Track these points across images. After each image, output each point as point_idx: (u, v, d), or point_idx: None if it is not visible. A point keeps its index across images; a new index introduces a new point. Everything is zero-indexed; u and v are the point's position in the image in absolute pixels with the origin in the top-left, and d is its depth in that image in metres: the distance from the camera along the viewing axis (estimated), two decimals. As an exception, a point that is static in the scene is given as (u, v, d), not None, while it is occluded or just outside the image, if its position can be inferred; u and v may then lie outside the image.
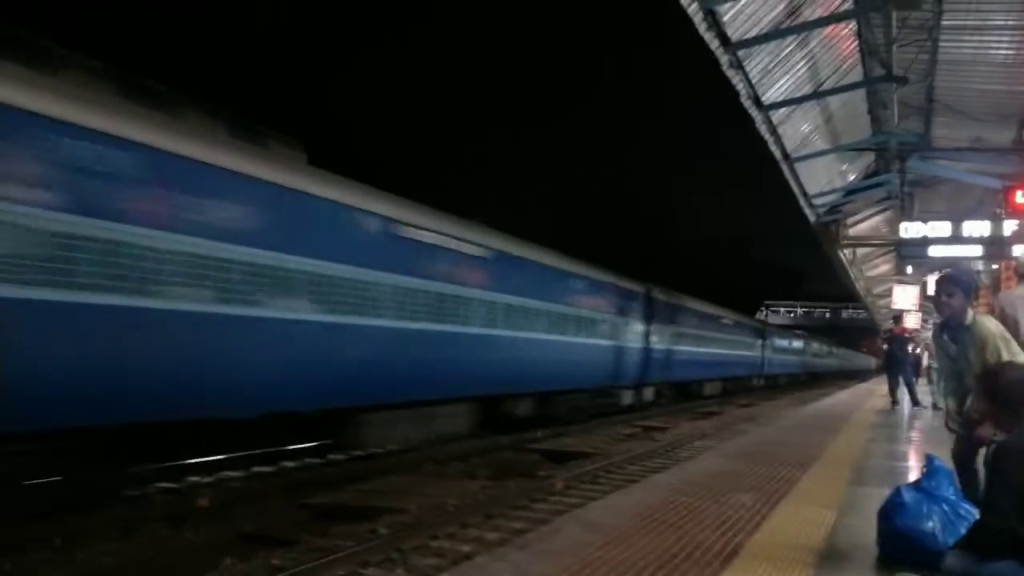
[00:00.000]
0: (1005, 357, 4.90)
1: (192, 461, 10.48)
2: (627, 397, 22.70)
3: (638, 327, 22.87)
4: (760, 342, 41.80)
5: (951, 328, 5.40)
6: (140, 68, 8.89)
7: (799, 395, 37.37)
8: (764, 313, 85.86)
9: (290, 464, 11.91)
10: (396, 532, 7.73)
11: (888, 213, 23.94)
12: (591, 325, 19.39)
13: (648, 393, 24.63)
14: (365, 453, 13.06)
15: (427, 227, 12.98)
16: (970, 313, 5.28)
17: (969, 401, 5.03)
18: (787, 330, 58.38)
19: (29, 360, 6.98)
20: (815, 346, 61.14)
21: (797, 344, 53.90)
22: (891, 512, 4.47)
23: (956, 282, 5.33)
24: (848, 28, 13.29)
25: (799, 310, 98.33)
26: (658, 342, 24.40)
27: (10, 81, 7.06)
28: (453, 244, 13.69)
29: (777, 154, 16.83)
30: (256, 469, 11.28)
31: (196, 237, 8.59)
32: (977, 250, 15.37)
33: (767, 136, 15.70)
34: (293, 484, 10.11)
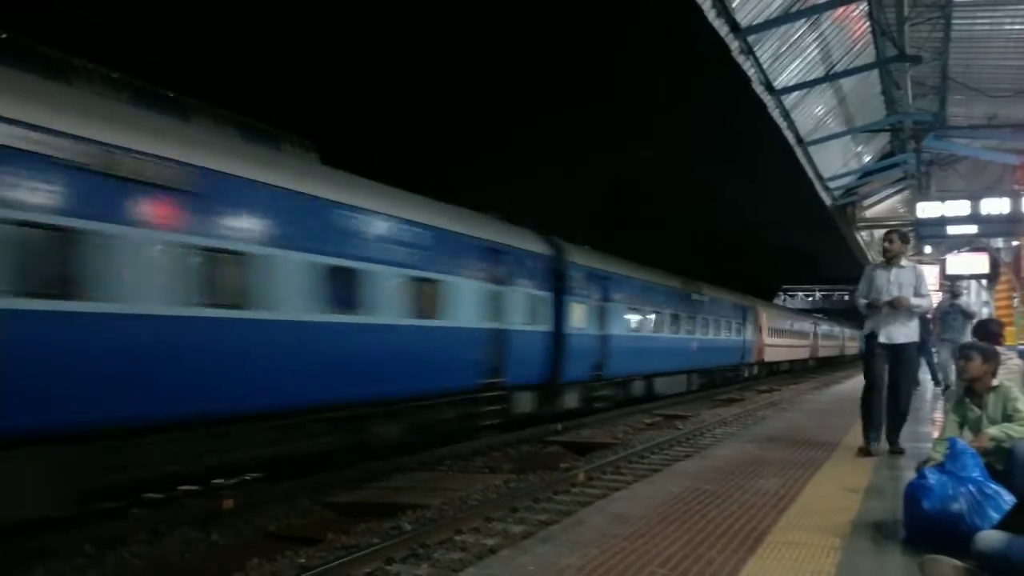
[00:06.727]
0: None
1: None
2: None
3: None
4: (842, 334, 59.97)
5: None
6: (145, 73, 8.84)
7: (822, 378, 37.19)
8: (782, 298, 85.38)
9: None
10: (420, 528, 7.76)
11: (905, 193, 23.75)
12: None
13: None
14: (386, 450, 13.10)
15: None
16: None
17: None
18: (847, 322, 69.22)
19: None
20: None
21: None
22: (917, 495, 4.44)
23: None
24: (859, 9, 13.17)
25: (817, 294, 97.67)
26: None
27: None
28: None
29: (791, 138, 16.74)
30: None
31: None
32: (995, 228, 15.21)
33: (780, 121, 15.61)
34: (316, 483, 10.17)
